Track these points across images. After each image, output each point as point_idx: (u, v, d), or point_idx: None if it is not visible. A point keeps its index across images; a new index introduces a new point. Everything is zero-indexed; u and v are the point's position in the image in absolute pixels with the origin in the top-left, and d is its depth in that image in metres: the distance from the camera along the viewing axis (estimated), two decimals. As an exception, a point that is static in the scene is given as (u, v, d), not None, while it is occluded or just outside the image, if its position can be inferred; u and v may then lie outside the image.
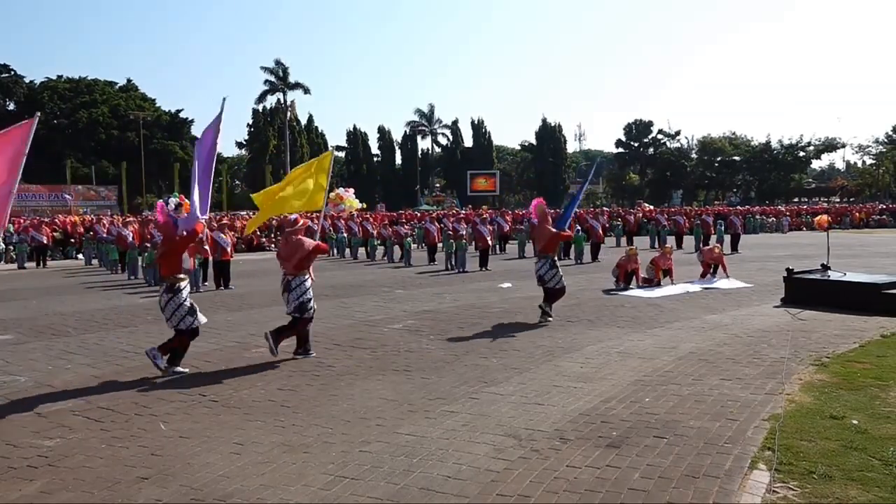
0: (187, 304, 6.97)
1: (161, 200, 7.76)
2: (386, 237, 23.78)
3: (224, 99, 7.47)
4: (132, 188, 55.07)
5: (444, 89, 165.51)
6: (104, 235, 22.05)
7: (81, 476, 4.22)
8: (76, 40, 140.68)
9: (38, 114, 6.76)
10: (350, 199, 38.20)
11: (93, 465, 4.40)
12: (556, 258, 10.14)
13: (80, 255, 24.67)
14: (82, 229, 27.40)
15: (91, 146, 62.76)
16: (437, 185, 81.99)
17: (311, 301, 7.56)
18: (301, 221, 7.92)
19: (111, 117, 64.37)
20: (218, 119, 7.65)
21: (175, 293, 6.91)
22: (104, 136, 63.11)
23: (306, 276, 7.60)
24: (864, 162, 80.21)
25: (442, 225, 25.15)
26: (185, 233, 7.12)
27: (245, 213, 42.86)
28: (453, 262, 19.01)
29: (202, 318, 7.16)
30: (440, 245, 21.25)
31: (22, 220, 30.80)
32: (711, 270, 14.30)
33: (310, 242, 7.69)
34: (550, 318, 9.73)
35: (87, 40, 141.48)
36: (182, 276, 7.03)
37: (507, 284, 14.33)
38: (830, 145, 75.84)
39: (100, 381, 6.64)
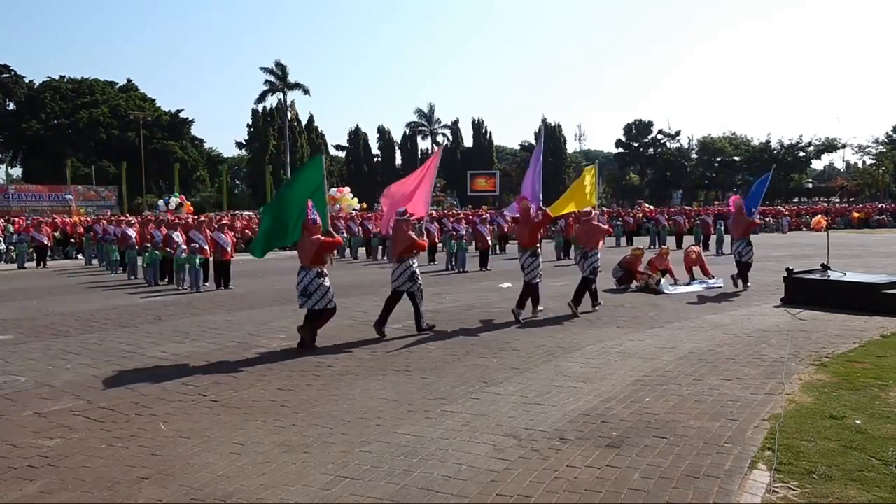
0: (540, 265, 9.65)
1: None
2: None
3: (543, 119, 9.65)
4: (132, 188, 54.99)
5: (444, 89, 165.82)
6: (104, 235, 22.05)
7: (81, 476, 4.22)
8: (76, 40, 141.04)
9: (444, 143, 8.58)
10: (345, 198, 38.15)
11: (93, 465, 4.39)
12: (750, 240, 12.47)
13: (80, 255, 24.68)
14: (82, 229, 27.40)
15: (91, 146, 62.77)
16: (437, 184, 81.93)
17: (600, 267, 10.34)
18: (593, 213, 10.81)
19: (111, 117, 64.36)
20: (539, 140, 11.39)
21: (536, 256, 9.63)
22: (104, 136, 63.10)
23: (598, 250, 10.32)
24: (864, 162, 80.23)
25: (442, 225, 25.15)
26: (538, 218, 9.92)
27: (245, 213, 42.82)
28: (453, 262, 19.02)
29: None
30: (440, 245, 21.25)
31: (22, 220, 30.80)
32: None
33: (603, 227, 10.95)
34: (749, 285, 12.27)
35: (87, 40, 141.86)
36: (538, 245, 9.77)
37: (507, 284, 14.34)
38: (830, 145, 75.82)
39: (100, 381, 6.64)
